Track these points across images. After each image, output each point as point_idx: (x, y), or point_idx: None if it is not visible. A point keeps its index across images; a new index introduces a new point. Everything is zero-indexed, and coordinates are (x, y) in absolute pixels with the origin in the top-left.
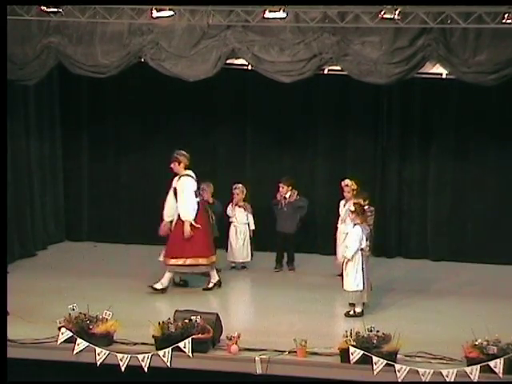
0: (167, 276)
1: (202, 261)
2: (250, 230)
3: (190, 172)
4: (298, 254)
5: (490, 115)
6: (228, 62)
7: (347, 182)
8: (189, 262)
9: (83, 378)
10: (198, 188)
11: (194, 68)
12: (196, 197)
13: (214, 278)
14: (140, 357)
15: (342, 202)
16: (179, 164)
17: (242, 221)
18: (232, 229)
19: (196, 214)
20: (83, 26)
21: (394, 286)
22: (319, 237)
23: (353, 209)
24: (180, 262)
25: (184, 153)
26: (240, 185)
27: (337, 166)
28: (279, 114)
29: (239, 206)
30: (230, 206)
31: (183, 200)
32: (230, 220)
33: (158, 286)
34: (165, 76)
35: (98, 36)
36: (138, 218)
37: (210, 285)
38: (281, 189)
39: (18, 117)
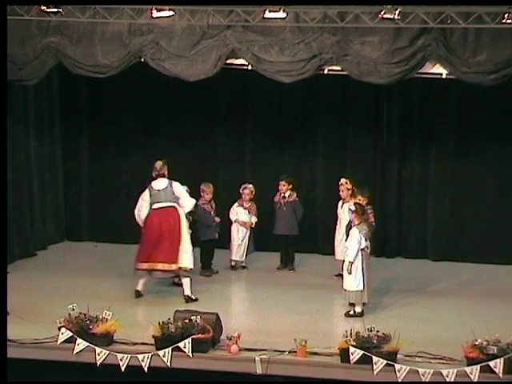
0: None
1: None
2: (250, 228)
3: (153, 182)
4: (298, 253)
5: (490, 115)
6: (228, 62)
7: (342, 181)
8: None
9: (83, 378)
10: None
11: (193, 68)
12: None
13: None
14: (140, 357)
15: (340, 203)
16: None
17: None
18: (234, 227)
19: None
20: (83, 26)
21: (394, 286)
22: (319, 237)
23: (353, 208)
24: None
25: (156, 164)
26: (250, 185)
27: (337, 166)
28: (279, 114)
29: (244, 208)
30: (234, 205)
31: None
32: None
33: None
34: (165, 76)
35: (98, 36)
36: None
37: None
38: (281, 187)
39: (18, 117)
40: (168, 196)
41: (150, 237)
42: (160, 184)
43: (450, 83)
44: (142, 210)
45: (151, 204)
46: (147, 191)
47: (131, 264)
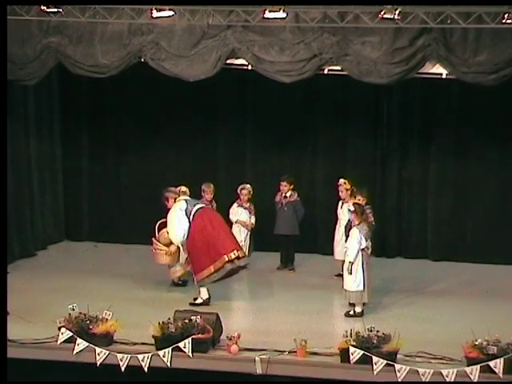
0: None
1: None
2: (251, 228)
3: (181, 197)
4: (298, 253)
5: (490, 115)
6: (228, 62)
7: (341, 181)
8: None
9: (83, 378)
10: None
11: (193, 68)
12: (187, 216)
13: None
14: (140, 357)
15: (340, 203)
16: (169, 201)
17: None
18: (235, 228)
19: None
20: (83, 25)
21: (394, 286)
22: (319, 237)
23: (352, 209)
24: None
25: (171, 189)
26: (248, 185)
27: (337, 166)
28: (279, 113)
29: (244, 208)
30: (234, 205)
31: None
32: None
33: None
34: (165, 76)
35: (98, 36)
36: (138, 218)
37: (199, 300)
38: (282, 187)
39: (18, 117)
40: (198, 201)
41: (206, 234)
42: (187, 195)
43: (449, 83)
44: (181, 220)
45: (187, 213)
46: (182, 202)
47: (131, 264)
